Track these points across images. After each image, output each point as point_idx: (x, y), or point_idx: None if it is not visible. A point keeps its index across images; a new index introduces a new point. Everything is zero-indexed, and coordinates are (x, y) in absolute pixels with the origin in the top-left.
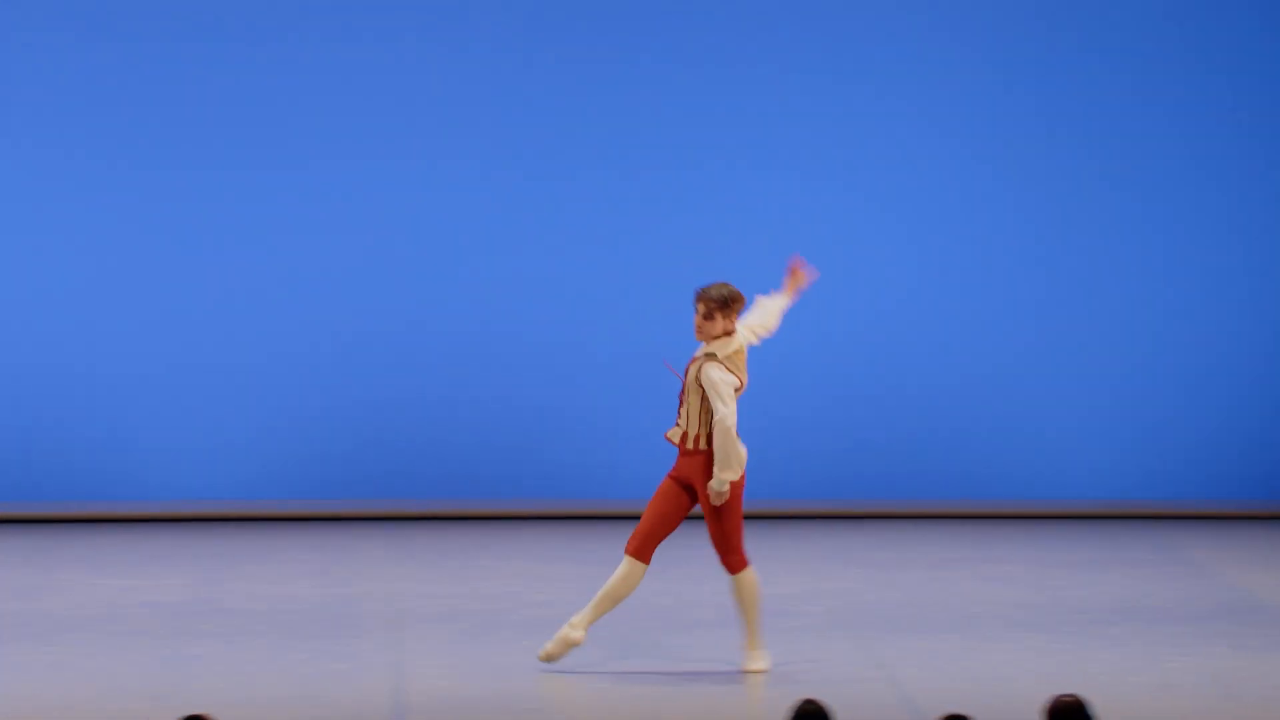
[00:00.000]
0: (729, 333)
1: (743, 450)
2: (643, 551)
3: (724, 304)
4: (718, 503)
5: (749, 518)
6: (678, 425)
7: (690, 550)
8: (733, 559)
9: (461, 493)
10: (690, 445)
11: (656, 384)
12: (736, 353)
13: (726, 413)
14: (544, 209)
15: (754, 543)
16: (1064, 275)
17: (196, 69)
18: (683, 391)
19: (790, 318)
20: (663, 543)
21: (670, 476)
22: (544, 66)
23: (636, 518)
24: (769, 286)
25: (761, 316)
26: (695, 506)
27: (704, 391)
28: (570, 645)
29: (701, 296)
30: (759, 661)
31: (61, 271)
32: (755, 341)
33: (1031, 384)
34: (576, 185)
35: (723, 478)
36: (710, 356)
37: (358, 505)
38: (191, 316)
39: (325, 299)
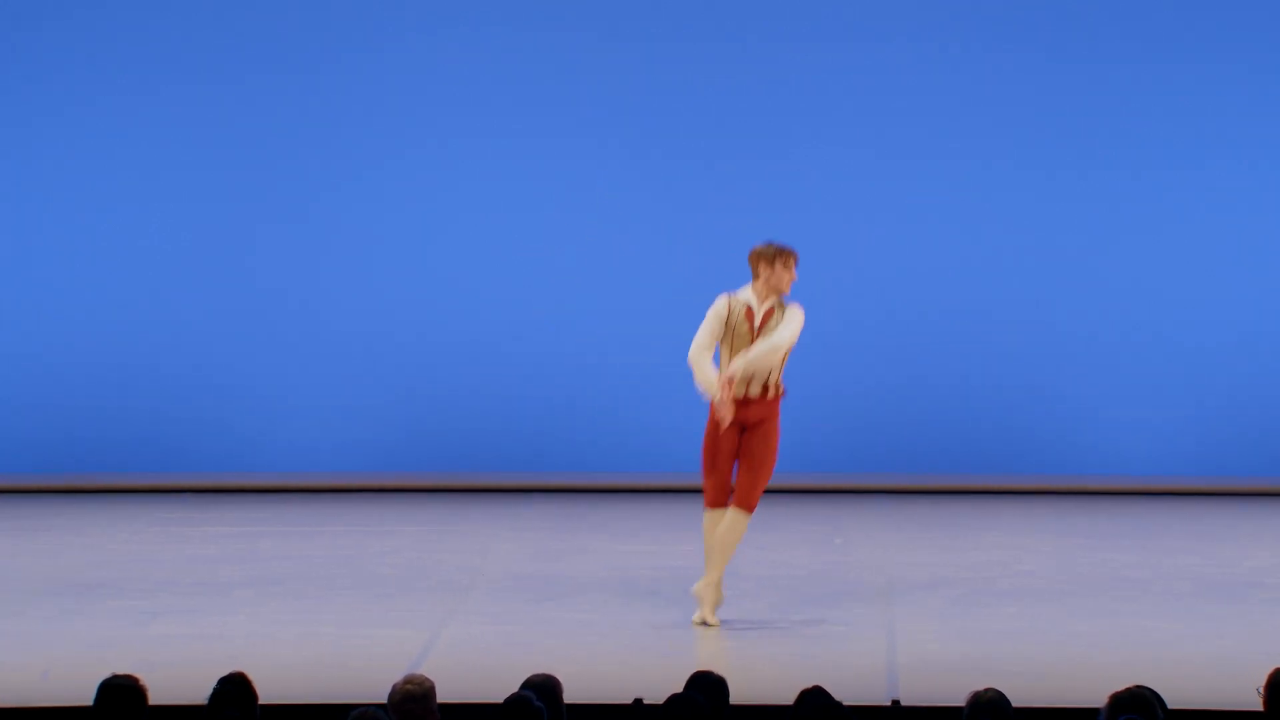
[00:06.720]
0: None
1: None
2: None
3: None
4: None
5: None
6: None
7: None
8: (755, 498)
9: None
10: (771, 395)
11: None
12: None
13: (791, 338)
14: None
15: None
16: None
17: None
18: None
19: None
20: None
21: (731, 426)
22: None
23: None
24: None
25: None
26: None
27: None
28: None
29: (793, 253)
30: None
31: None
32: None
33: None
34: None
35: (737, 366)
36: (783, 305)
37: (854, 479)
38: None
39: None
